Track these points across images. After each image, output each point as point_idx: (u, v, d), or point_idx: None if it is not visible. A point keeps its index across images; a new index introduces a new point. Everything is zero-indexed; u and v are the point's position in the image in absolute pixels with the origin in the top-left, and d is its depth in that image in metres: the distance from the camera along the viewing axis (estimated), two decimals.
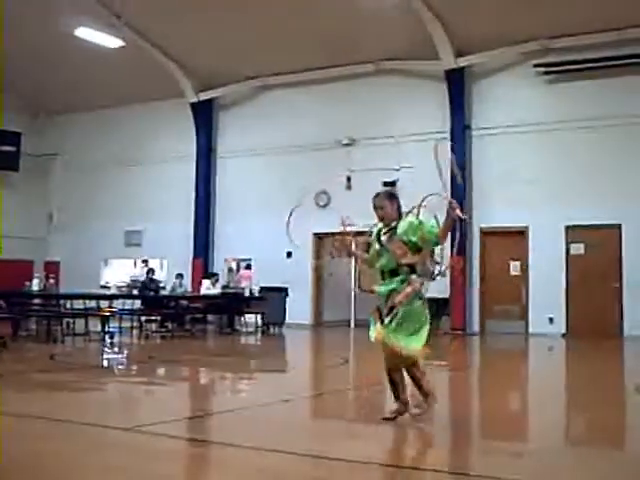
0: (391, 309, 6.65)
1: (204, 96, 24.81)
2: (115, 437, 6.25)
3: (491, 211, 20.65)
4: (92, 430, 6.53)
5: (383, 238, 6.93)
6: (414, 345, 6.63)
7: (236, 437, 6.17)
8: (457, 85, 21.08)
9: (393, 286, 6.72)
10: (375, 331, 6.74)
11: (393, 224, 6.88)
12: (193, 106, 24.99)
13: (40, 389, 9.48)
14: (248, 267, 22.29)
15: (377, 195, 7.13)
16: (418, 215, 6.95)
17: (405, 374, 6.92)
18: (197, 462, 5.78)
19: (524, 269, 20.38)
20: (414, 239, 6.74)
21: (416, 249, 6.79)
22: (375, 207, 7.05)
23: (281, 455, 5.68)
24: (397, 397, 6.91)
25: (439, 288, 20.79)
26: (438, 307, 20.70)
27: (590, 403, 8.84)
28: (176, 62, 23.77)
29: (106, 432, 6.44)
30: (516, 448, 6.33)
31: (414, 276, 6.73)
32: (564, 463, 5.78)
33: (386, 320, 6.63)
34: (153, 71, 23.73)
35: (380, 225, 7.05)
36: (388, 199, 7.06)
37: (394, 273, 6.78)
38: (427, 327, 6.75)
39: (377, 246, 6.97)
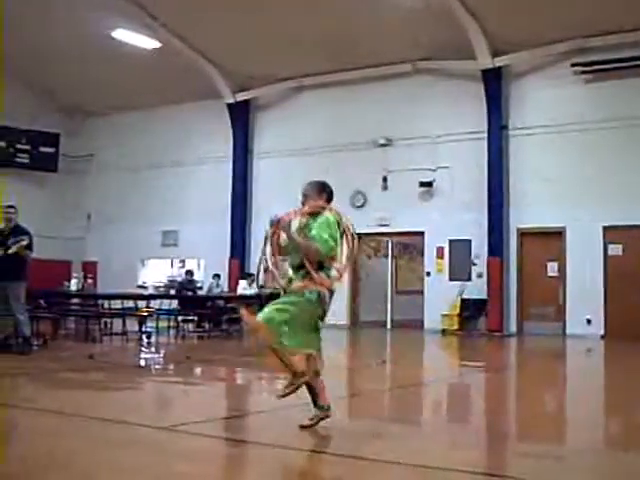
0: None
1: (241, 97, 24.87)
2: (150, 436, 6.30)
3: (528, 211, 20.50)
4: (127, 429, 6.58)
5: (295, 231, 6.49)
6: (294, 340, 6.30)
7: (269, 437, 6.19)
8: (494, 85, 20.96)
9: (294, 280, 6.42)
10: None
11: (310, 221, 6.47)
12: (230, 107, 25.06)
13: (79, 388, 9.57)
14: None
15: (309, 183, 6.77)
16: (340, 222, 6.48)
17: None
18: (230, 461, 5.81)
19: (561, 270, 20.22)
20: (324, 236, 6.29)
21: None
22: (301, 194, 6.71)
23: (313, 455, 5.70)
24: (315, 403, 6.56)
25: (477, 289, 20.80)
26: (476, 308, 20.69)
27: (629, 405, 8.76)
28: (212, 63, 23.84)
29: (141, 431, 6.48)
30: (552, 450, 6.29)
31: (321, 273, 6.36)
32: (602, 466, 5.73)
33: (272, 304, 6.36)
34: (189, 72, 23.83)
35: (298, 220, 6.59)
36: (317, 191, 6.67)
37: (300, 267, 6.40)
38: (313, 324, 6.44)
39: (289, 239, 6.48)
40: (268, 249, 6.51)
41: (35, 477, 5.07)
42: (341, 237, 6.44)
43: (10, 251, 12.55)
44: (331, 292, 6.46)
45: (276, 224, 6.44)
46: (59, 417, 7.19)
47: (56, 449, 5.82)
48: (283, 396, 6.50)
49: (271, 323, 6.20)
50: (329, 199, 6.67)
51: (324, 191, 6.67)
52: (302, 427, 6.40)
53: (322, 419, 6.49)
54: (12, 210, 13.05)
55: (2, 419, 7.45)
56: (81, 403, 8.15)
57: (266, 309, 6.30)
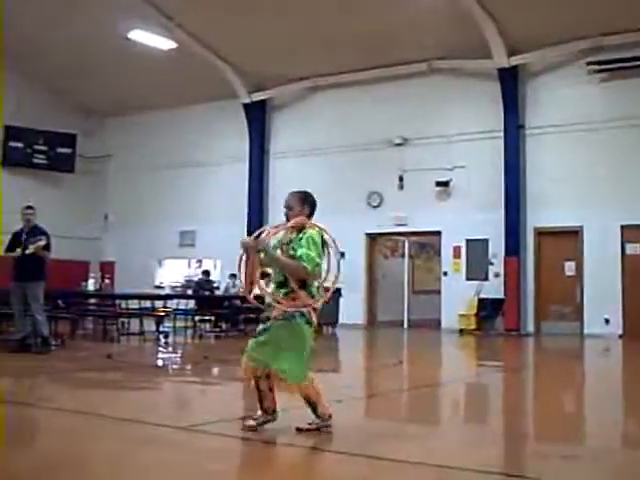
0: (267, 320, 6.26)
1: (257, 97, 24.90)
2: (169, 435, 6.31)
3: (545, 211, 20.43)
4: (146, 428, 6.61)
5: (277, 245, 6.38)
6: (288, 366, 6.17)
7: (287, 437, 6.20)
8: (510, 84, 20.90)
9: (274, 297, 6.24)
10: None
11: (294, 235, 6.33)
12: (246, 107, 25.09)
13: (97, 387, 9.61)
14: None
15: (291, 193, 6.57)
16: (323, 238, 6.34)
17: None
18: (250, 461, 5.82)
19: (579, 269, 20.15)
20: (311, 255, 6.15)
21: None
22: (284, 205, 6.54)
23: (331, 455, 5.70)
24: (261, 406, 6.37)
25: (494, 289, 20.75)
26: (493, 308, 20.65)
27: None
28: (228, 63, 23.87)
29: (160, 430, 6.50)
30: (570, 450, 6.26)
31: (302, 292, 6.19)
32: (619, 466, 5.71)
33: (259, 328, 6.30)
34: (205, 72, 23.87)
35: (280, 235, 6.43)
36: (299, 202, 6.48)
37: (282, 285, 6.27)
38: (305, 354, 6.25)
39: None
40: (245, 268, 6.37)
41: (55, 476, 5.09)
42: (324, 253, 6.32)
43: (28, 251, 12.62)
44: (314, 309, 6.29)
45: (253, 245, 6.23)
46: (77, 416, 7.22)
47: (74, 448, 5.86)
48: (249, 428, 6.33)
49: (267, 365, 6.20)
50: (312, 209, 6.50)
51: (306, 202, 6.49)
52: (298, 429, 6.31)
53: (321, 427, 6.35)
54: (30, 211, 13.12)
55: (21, 418, 7.49)
56: (99, 402, 8.18)
57: (258, 352, 6.21)
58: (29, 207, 13.19)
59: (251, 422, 6.33)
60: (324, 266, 6.38)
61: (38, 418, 7.49)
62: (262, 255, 6.23)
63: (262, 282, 6.34)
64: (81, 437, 6.30)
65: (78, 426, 6.80)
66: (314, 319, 6.27)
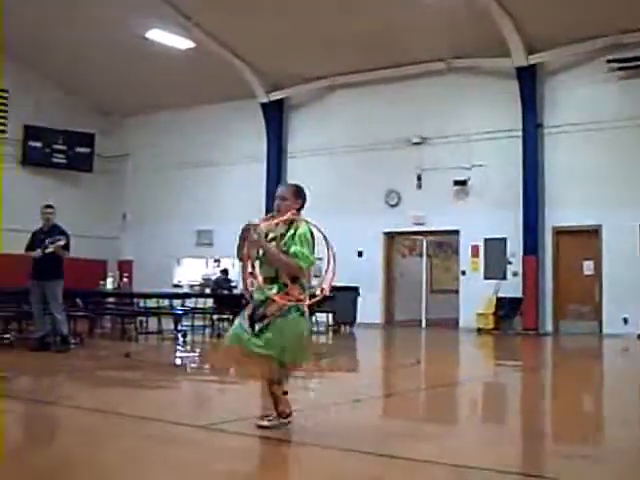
0: (263, 317, 6.17)
1: (274, 96, 24.92)
2: (187, 434, 6.33)
3: (563, 210, 20.35)
4: (164, 427, 6.63)
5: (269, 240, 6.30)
6: (293, 358, 6.25)
7: (305, 436, 6.21)
8: (528, 82, 20.82)
9: (269, 294, 6.16)
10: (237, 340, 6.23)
11: (283, 230, 6.31)
12: (263, 106, 25.11)
13: (115, 386, 9.65)
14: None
15: (284, 184, 6.56)
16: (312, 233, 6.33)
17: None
18: (269, 460, 5.83)
19: (597, 268, 20.06)
20: (305, 252, 6.19)
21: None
22: (276, 196, 6.45)
23: (350, 454, 5.70)
24: (276, 409, 6.36)
25: (512, 288, 20.69)
26: (511, 307, 20.59)
27: None
28: (246, 63, 23.89)
29: (178, 429, 6.52)
30: (588, 450, 6.24)
31: (296, 286, 6.22)
32: (638, 466, 5.69)
33: (256, 327, 6.17)
34: (223, 72, 23.91)
35: (263, 226, 6.34)
36: (294, 194, 6.43)
37: (274, 280, 6.22)
38: (306, 341, 6.37)
39: (260, 252, 6.29)
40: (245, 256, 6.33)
41: (75, 473, 5.12)
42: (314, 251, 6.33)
43: (47, 251, 12.69)
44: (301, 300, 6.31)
45: (247, 233, 6.19)
46: (96, 415, 7.25)
47: (94, 446, 5.88)
48: (261, 427, 6.33)
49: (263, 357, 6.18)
50: (303, 203, 6.49)
51: (300, 195, 6.47)
52: (260, 427, 6.29)
53: (282, 424, 6.35)
54: (50, 210, 13.19)
55: (41, 416, 7.53)
56: (118, 401, 8.22)
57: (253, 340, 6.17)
58: (49, 206, 13.26)
59: (265, 422, 6.33)
60: (320, 263, 6.44)
61: (58, 416, 7.54)
62: (258, 248, 6.23)
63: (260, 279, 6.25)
64: (100, 435, 6.33)
65: (97, 424, 6.84)
66: (306, 310, 6.32)
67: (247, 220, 6.35)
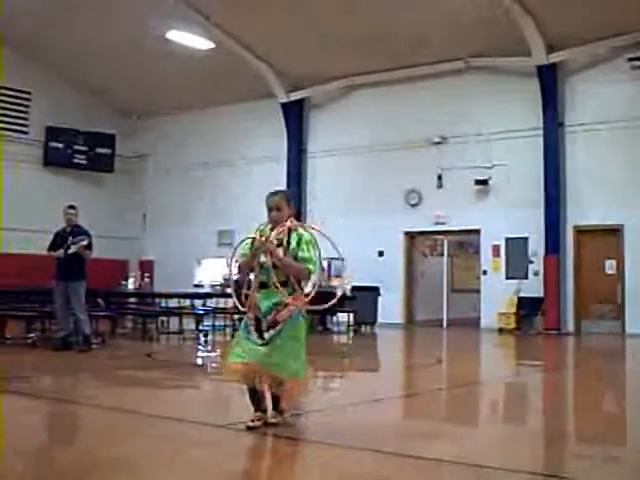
0: (275, 324, 6.18)
1: (294, 96, 24.93)
2: (209, 434, 6.36)
3: (585, 209, 20.26)
4: (186, 426, 6.66)
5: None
6: (294, 369, 6.22)
7: (325, 435, 6.21)
8: (549, 81, 20.73)
9: (277, 299, 6.21)
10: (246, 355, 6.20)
11: (282, 236, 6.30)
12: (284, 106, 25.13)
13: (137, 385, 9.71)
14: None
15: (274, 194, 6.48)
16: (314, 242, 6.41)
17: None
18: (291, 460, 5.84)
19: (620, 268, 19.96)
20: (313, 258, 6.27)
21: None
22: (270, 208, 6.41)
23: (372, 454, 5.71)
24: (259, 408, 6.36)
25: (533, 288, 20.61)
26: (532, 307, 20.52)
27: None
28: (266, 62, 23.92)
29: (199, 428, 6.55)
30: (610, 451, 6.20)
31: (305, 290, 6.34)
32: None
33: (266, 335, 6.18)
34: (243, 72, 23.94)
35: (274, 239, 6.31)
36: (286, 201, 6.42)
37: (284, 284, 6.22)
38: (304, 350, 6.33)
39: (263, 259, 6.27)
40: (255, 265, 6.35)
41: (98, 472, 5.15)
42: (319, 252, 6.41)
43: (70, 251, 12.78)
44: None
45: (264, 244, 6.23)
46: (118, 414, 7.30)
47: (115, 445, 5.91)
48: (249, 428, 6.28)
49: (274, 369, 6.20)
50: (293, 209, 6.54)
51: (290, 201, 6.50)
52: (249, 428, 6.24)
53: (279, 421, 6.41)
54: (72, 211, 13.27)
55: (64, 415, 7.59)
56: (139, 400, 8.27)
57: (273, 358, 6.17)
58: (71, 207, 13.35)
59: (257, 423, 6.25)
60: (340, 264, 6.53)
61: (80, 415, 7.59)
62: (270, 257, 6.23)
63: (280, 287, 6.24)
64: (121, 434, 6.37)
65: (118, 423, 6.88)
66: (305, 313, 6.37)
67: (255, 227, 6.49)
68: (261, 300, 6.28)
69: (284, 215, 6.37)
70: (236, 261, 6.51)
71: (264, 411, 6.38)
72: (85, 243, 12.86)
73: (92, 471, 5.16)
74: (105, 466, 5.29)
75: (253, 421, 6.27)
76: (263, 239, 6.24)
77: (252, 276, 6.42)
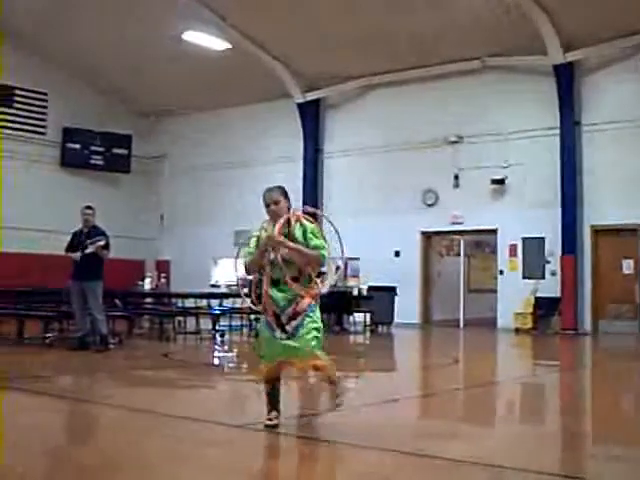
0: (295, 315, 6.27)
1: (310, 96, 24.93)
2: (225, 434, 6.38)
3: (602, 209, 20.15)
4: (203, 426, 6.68)
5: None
6: (312, 346, 6.27)
7: (342, 435, 6.21)
8: (566, 80, 20.64)
9: (292, 295, 6.29)
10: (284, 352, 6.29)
11: (292, 229, 6.37)
12: (300, 106, 25.14)
13: (153, 385, 9.74)
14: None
15: (270, 189, 6.51)
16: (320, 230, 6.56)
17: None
18: (309, 461, 5.84)
19: (637, 267, 19.87)
20: (324, 244, 6.38)
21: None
22: (267, 203, 6.43)
23: (390, 454, 5.71)
24: (275, 407, 6.44)
25: (550, 287, 20.54)
26: (549, 307, 20.44)
27: None
28: (282, 63, 23.94)
29: (216, 428, 6.57)
30: (629, 452, 6.18)
31: (317, 280, 6.45)
32: None
33: (288, 328, 6.25)
34: (259, 72, 23.96)
35: (266, 232, 6.44)
36: (283, 195, 6.48)
37: (296, 279, 6.30)
38: (322, 331, 6.41)
39: (272, 256, 6.35)
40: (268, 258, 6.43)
41: (115, 471, 5.17)
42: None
43: (87, 251, 12.83)
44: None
45: (273, 242, 6.29)
46: (134, 413, 7.33)
47: (132, 444, 5.94)
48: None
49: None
50: (290, 207, 6.56)
51: (287, 195, 6.54)
52: (267, 426, 6.33)
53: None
54: (90, 211, 13.32)
55: (82, 414, 7.62)
56: (156, 400, 8.30)
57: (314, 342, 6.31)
58: (88, 207, 13.40)
59: (275, 421, 6.35)
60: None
61: (97, 415, 7.62)
62: (282, 250, 6.29)
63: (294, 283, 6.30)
64: (137, 434, 6.39)
65: (135, 423, 6.91)
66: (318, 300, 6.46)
67: (258, 225, 6.62)
68: (276, 295, 6.33)
69: (282, 207, 6.43)
70: (243, 259, 6.63)
71: (279, 411, 6.42)
72: (102, 243, 12.91)
73: (108, 470, 5.19)
74: (121, 465, 5.32)
75: (271, 419, 6.34)
76: (268, 234, 6.32)
77: (263, 274, 6.51)
